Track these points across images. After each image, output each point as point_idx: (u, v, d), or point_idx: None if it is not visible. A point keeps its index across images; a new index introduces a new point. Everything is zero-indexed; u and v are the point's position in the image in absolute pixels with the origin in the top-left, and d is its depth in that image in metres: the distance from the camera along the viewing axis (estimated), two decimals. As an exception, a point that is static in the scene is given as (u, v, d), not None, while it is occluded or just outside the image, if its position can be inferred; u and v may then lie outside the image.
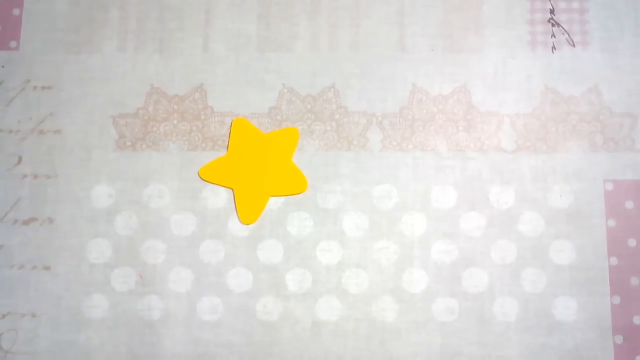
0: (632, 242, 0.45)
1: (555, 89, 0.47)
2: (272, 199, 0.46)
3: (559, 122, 0.46)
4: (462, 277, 0.45)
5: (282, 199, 0.45)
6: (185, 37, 0.47)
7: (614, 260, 0.44)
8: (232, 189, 0.44)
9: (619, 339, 0.43)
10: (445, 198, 0.45)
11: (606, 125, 0.46)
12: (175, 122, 0.46)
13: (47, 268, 0.45)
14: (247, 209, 0.44)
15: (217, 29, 0.47)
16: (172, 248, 0.45)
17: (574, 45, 0.47)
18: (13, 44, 0.47)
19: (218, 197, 0.46)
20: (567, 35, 0.47)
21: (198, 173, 0.44)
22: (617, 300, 0.44)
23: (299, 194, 0.44)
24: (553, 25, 0.47)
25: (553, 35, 0.47)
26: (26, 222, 0.45)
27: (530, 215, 0.45)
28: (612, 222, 0.45)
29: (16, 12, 0.47)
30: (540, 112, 0.46)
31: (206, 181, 0.44)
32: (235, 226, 0.45)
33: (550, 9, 0.47)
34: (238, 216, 0.43)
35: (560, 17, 0.47)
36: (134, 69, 0.47)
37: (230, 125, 0.44)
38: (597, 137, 0.46)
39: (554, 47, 0.47)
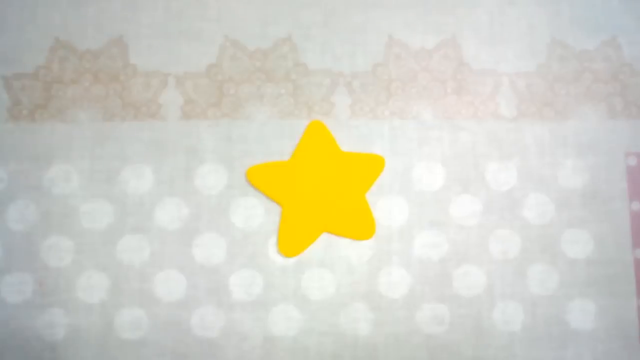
0: (662, 230, 0.42)
1: (564, 42, 0.44)
2: (210, 180, 0.42)
3: (570, 82, 0.44)
4: (454, 277, 0.42)
5: (224, 179, 0.42)
6: (101, -23, 0.44)
7: (639, 253, 0.42)
8: (280, 207, 0.42)
9: (648, 351, 0.41)
10: (431, 177, 0.43)
11: (627, 86, 0.44)
12: (87, 84, 0.43)
13: None
14: (291, 237, 0.41)
15: (141, -33, 0.45)
16: (81, 246, 0.42)
17: (586, -11, 0.45)
18: None
19: (141, 180, 0.43)
20: (578, -23, 0.45)
21: (245, 173, 0.42)
22: (645, 302, 0.42)
23: (361, 240, 0.41)
24: (560, -37, 0.45)
25: (561, -24, 0.45)
26: None
27: (537, 197, 0.43)
28: (636, 205, 0.42)
29: None
30: (546, 71, 0.44)
31: (253, 185, 0.42)
32: (164, 217, 0.42)
33: (557, -57, 0.45)
34: (277, 243, 0.41)
35: (569, -46, 0.45)
36: (33, 18, 0.44)
37: (306, 128, 0.42)
38: (616, 101, 0.44)
39: (562, -9, 0.45)
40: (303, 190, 0.42)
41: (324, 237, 0.42)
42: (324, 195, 0.42)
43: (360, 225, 0.41)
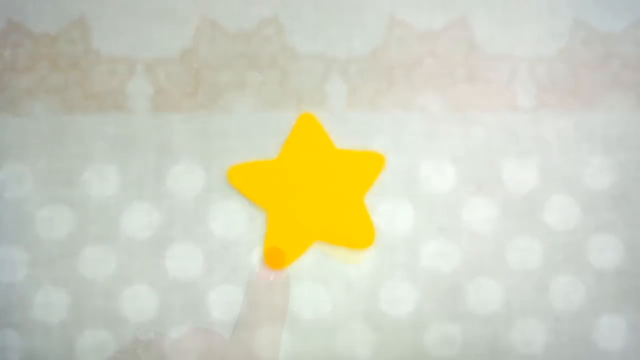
0: (702, 236, 0.41)
1: (588, 23, 0.43)
2: (185, 182, 0.41)
3: (595, 68, 0.42)
4: (467, 291, 0.40)
5: (201, 181, 0.41)
6: (58, -51, 0.44)
7: (677, 262, 0.41)
8: (266, 212, 0.41)
9: (687, 374, 0.40)
10: (439, 178, 0.42)
11: (660, 73, 0.43)
12: (43, 72, 0.42)
13: None
14: (279, 247, 0.41)
15: (105, -63, 0.44)
16: (38, 259, 0.40)
17: (613, -38, 0.44)
18: None
19: (106, 182, 0.41)
20: (602, -52, 0.44)
21: (226, 173, 0.42)
22: (684, 318, 0.40)
23: (359, 249, 0.41)
24: None
25: (584, -52, 0.44)
26: None
27: (560, 200, 0.41)
28: (673, 208, 0.42)
29: None
30: (569, 56, 0.43)
31: (234, 188, 0.41)
32: (132, 224, 0.41)
33: None
34: (263, 254, 0.41)
35: None
36: (-20, -4, 0.43)
37: (295, 121, 0.42)
38: (648, 89, 0.43)
39: (585, -35, 0.44)
40: (292, 193, 0.40)
41: (317, 247, 0.40)
42: (316, 198, 0.40)
43: (358, 232, 0.40)
